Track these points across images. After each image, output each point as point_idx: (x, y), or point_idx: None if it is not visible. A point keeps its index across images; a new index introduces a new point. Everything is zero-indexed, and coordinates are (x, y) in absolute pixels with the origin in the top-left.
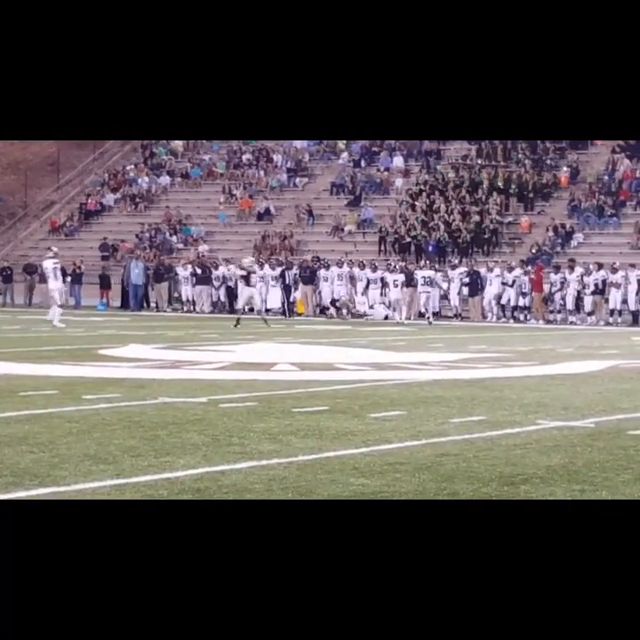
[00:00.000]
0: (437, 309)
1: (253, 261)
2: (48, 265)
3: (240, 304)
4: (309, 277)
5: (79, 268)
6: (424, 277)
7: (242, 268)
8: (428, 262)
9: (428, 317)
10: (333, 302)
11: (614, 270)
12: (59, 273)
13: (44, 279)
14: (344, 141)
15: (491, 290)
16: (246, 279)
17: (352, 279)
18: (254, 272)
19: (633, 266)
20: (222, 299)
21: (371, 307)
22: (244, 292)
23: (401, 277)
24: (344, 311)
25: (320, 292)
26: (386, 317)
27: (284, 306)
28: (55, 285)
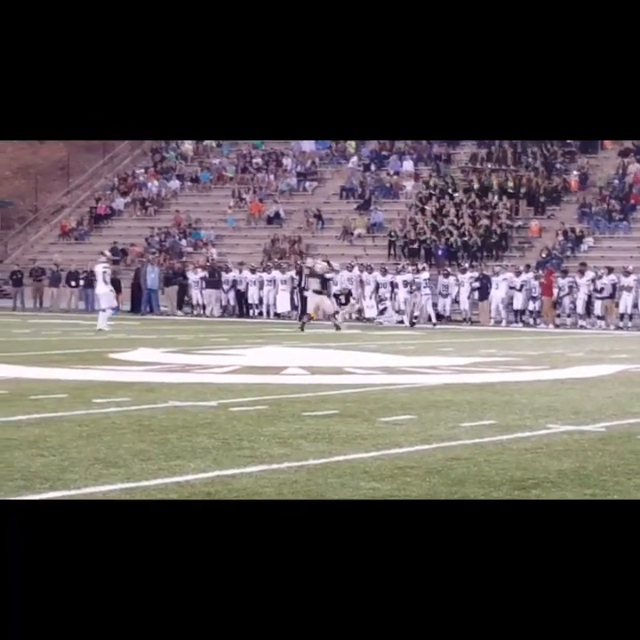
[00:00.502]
0: (448, 313)
1: (325, 267)
2: (98, 269)
3: (310, 308)
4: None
5: (91, 272)
6: (425, 280)
7: (314, 275)
8: (428, 265)
9: (431, 319)
10: (336, 296)
11: (627, 273)
12: (108, 277)
13: (54, 282)
14: (354, 146)
15: (497, 294)
16: (323, 284)
17: (361, 283)
18: (330, 277)
19: None
20: (232, 302)
21: (381, 312)
22: (313, 299)
23: (409, 277)
24: (349, 307)
25: (330, 296)
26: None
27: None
28: (101, 290)
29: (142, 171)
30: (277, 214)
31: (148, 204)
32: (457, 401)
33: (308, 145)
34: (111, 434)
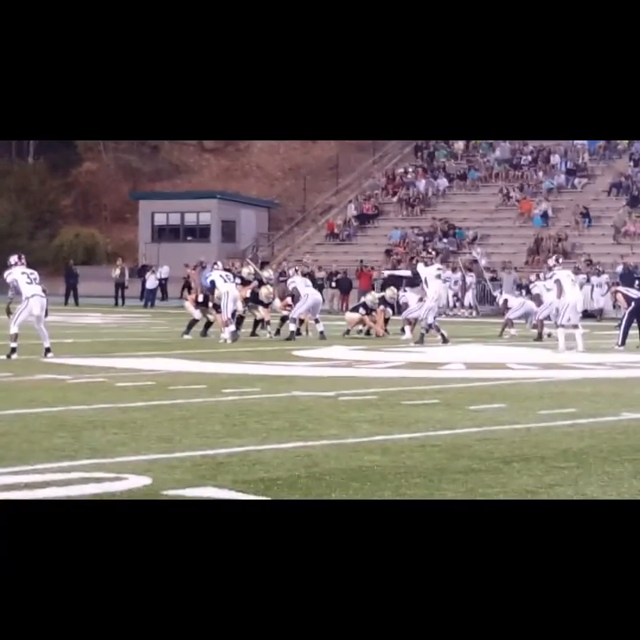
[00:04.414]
0: None
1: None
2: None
3: None
4: None
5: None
6: None
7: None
8: None
9: None
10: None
11: None
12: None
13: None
14: (625, 142)
15: None
16: None
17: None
18: None
19: None
20: None
21: None
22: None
23: None
24: None
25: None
26: None
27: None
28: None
29: (411, 169)
30: (545, 213)
31: (414, 202)
32: (569, 393)
33: (578, 142)
34: (198, 418)
